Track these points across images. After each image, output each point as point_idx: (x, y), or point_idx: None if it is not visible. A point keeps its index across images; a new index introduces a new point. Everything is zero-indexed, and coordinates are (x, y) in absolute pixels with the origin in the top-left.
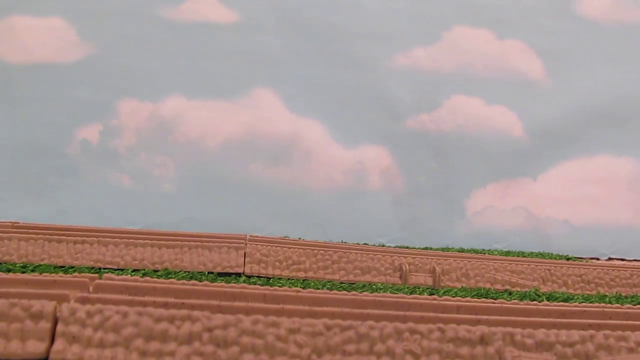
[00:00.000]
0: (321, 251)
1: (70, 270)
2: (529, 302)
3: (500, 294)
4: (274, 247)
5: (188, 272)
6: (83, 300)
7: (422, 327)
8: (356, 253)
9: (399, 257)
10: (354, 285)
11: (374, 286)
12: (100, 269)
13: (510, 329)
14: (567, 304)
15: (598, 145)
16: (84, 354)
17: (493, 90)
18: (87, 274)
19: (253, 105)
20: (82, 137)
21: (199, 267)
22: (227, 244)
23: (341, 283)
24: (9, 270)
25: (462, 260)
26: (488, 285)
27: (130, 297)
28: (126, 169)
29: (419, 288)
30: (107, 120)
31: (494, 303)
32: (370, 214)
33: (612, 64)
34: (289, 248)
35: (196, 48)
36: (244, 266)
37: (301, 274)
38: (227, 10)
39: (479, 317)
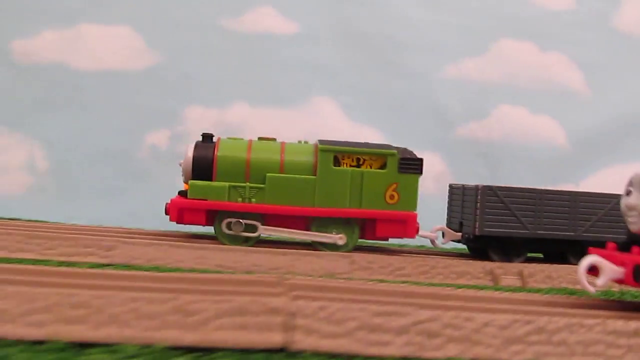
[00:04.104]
0: (419, 257)
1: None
2: None
3: None
4: (378, 255)
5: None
6: (309, 298)
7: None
8: (452, 258)
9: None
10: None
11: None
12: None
13: None
14: None
15: (637, 152)
16: (319, 344)
17: (537, 101)
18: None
19: (313, 112)
20: (151, 142)
21: (311, 273)
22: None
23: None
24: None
25: (544, 263)
26: (570, 286)
27: (340, 295)
28: None
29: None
30: (175, 126)
31: None
32: (426, 218)
33: None
34: (390, 255)
35: (258, 58)
36: (352, 272)
37: (404, 278)
38: (286, 21)
39: None
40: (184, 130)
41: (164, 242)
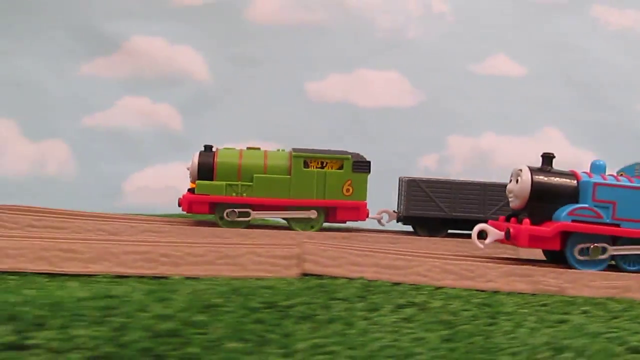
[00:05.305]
0: None
1: None
2: None
3: None
4: None
5: None
6: None
7: None
8: None
9: None
10: None
11: None
12: None
13: None
14: None
15: None
16: None
17: None
18: None
19: (544, 140)
20: (424, 164)
21: None
22: None
23: None
24: None
25: None
26: None
27: None
28: None
29: None
30: (441, 151)
31: None
32: None
33: None
34: None
35: (498, 95)
36: None
37: None
38: (517, 66)
39: None
40: (449, 154)
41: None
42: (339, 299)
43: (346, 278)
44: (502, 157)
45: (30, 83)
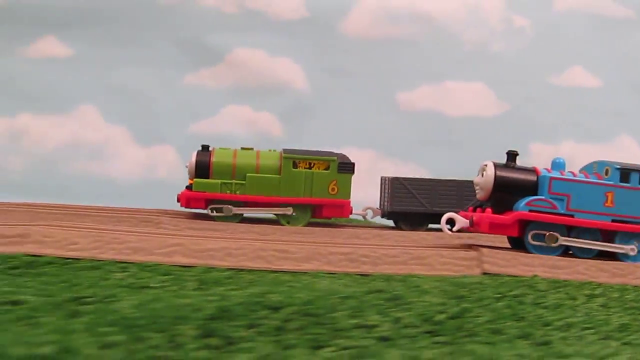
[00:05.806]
0: None
1: None
2: None
3: None
4: None
5: None
6: None
7: None
8: None
9: None
10: None
11: None
12: None
13: None
14: None
15: None
16: None
17: None
18: None
19: (620, 147)
20: None
21: None
22: None
23: None
24: None
25: None
26: None
27: None
28: None
29: None
30: (524, 159)
31: None
32: None
33: None
34: None
35: (575, 105)
36: None
37: None
38: (593, 78)
39: None
40: (531, 161)
41: None
42: (542, 291)
43: (523, 276)
44: (582, 164)
45: (140, 92)
